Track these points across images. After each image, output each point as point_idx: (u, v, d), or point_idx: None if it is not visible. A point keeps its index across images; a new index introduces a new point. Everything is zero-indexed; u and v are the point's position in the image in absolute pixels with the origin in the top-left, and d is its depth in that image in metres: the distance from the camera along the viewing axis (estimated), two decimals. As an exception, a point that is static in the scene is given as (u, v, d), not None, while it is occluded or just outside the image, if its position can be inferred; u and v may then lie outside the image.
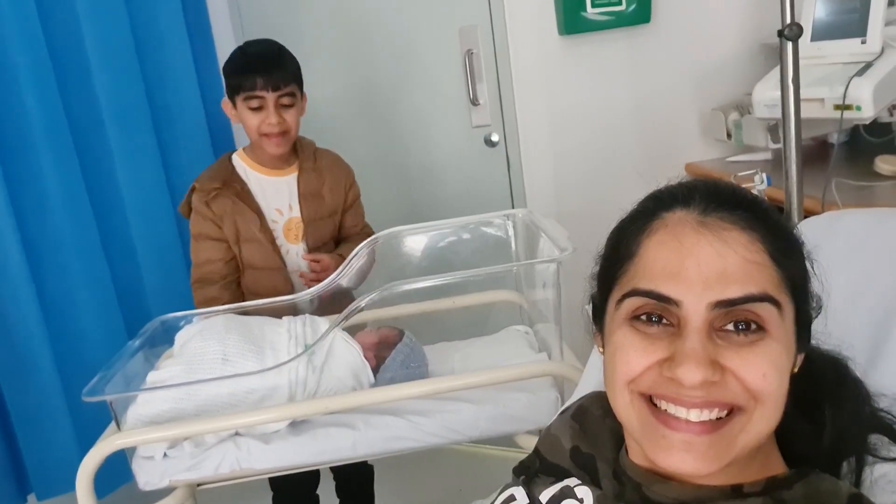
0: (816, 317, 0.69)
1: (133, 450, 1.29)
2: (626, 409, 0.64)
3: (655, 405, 0.62)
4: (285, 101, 1.62)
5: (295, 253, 1.74)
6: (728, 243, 0.60)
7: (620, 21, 2.18)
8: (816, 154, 2.11)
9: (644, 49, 2.24)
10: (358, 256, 1.62)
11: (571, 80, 2.27)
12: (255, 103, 1.60)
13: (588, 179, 2.32)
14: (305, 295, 1.57)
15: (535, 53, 2.26)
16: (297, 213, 1.73)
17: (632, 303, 0.63)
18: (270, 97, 1.59)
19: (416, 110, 2.45)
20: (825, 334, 0.71)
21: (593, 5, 2.17)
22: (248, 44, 1.69)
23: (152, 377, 1.32)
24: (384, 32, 2.40)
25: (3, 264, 1.87)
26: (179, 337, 1.42)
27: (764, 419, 0.60)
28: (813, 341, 0.69)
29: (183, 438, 1.27)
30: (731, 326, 0.59)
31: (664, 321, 0.61)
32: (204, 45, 2.41)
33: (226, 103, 1.67)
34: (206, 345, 1.33)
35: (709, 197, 0.64)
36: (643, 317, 0.62)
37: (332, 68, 2.43)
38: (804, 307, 0.65)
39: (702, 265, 0.60)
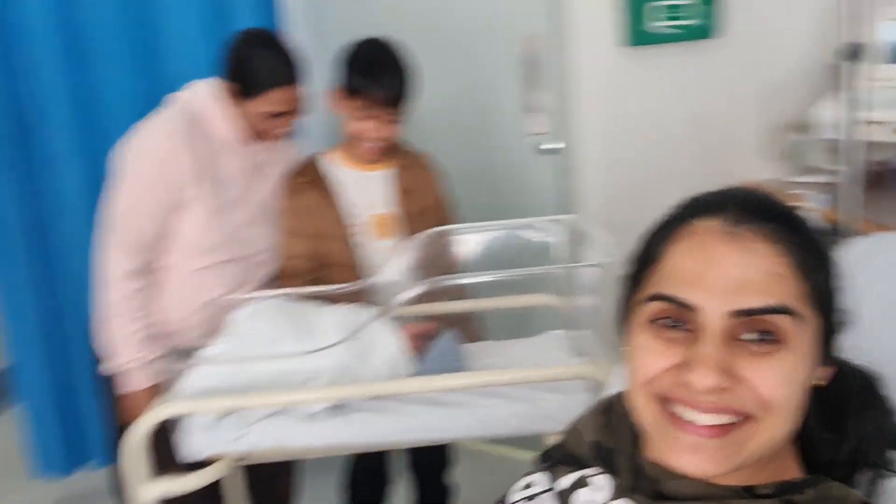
0: (844, 331, 0.70)
1: (181, 423, 1.36)
2: (643, 409, 0.66)
3: (670, 407, 0.64)
4: (395, 116, 1.66)
5: (377, 249, 1.75)
6: (752, 254, 0.62)
7: (685, 35, 2.18)
8: (880, 178, 2.07)
9: (707, 63, 2.23)
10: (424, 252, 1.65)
11: (631, 92, 2.28)
12: (368, 112, 1.63)
13: (641, 191, 2.31)
14: (359, 286, 1.61)
15: (595, 63, 2.27)
16: (388, 208, 1.76)
17: (653, 306, 0.65)
18: (386, 111, 1.63)
19: (474, 115, 2.50)
20: (857, 349, 0.72)
21: (658, 18, 2.18)
22: (380, 49, 1.66)
23: (205, 353, 1.39)
24: (446, 38, 2.45)
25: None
26: (234, 317, 1.48)
27: (774, 428, 0.62)
28: (844, 355, 0.70)
29: (229, 411, 1.33)
30: (748, 336, 0.61)
31: (684, 326, 0.63)
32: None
33: (332, 94, 1.68)
34: (257, 325, 1.40)
35: (741, 207, 0.65)
36: (663, 321, 0.64)
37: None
38: (831, 321, 0.66)
39: (723, 274, 0.61)
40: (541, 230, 1.68)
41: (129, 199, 1.59)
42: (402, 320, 1.49)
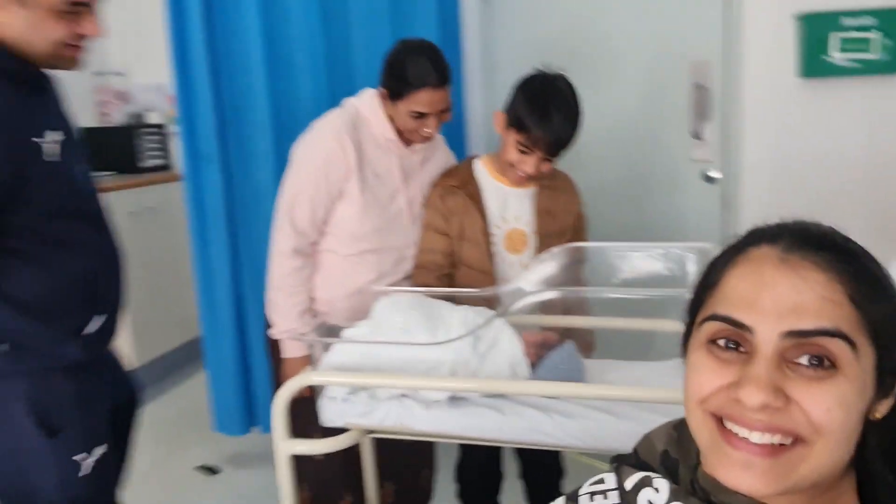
0: None
1: (322, 392, 1.53)
2: (698, 426, 0.69)
3: (724, 424, 0.66)
4: (554, 159, 1.73)
5: (509, 264, 1.84)
6: (806, 280, 0.63)
7: (868, 68, 2.06)
8: None
9: (891, 100, 2.09)
10: (553, 268, 1.73)
11: (806, 125, 2.19)
12: (529, 149, 1.69)
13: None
14: (490, 291, 1.71)
15: (769, 93, 2.21)
16: (523, 225, 1.84)
17: (710, 326, 0.68)
18: (540, 154, 1.70)
19: (639, 137, 2.51)
20: None
21: (840, 49, 2.08)
22: (556, 90, 1.69)
23: (346, 333, 1.56)
24: (618, 58, 2.49)
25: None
26: (376, 304, 1.64)
27: (825, 453, 0.62)
28: None
29: (361, 388, 1.48)
30: (803, 360, 0.62)
31: (740, 348, 0.65)
32: (453, 60, 2.67)
33: (499, 117, 1.76)
34: (393, 314, 1.54)
35: (796, 236, 0.67)
36: (720, 342, 0.67)
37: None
38: (888, 353, 0.66)
39: (777, 297, 0.63)
40: (680, 256, 1.67)
41: (296, 187, 1.79)
42: (523, 328, 1.56)
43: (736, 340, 0.66)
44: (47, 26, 1.30)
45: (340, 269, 1.85)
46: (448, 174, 1.89)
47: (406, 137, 1.84)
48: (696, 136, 2.37)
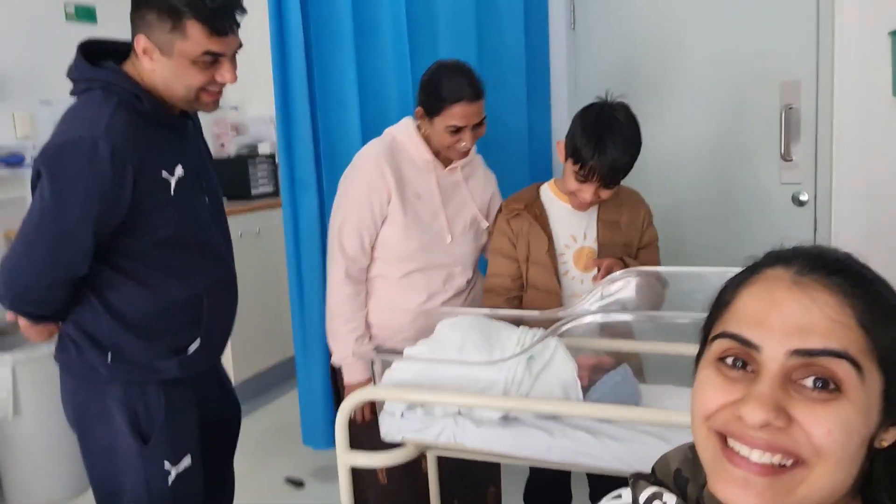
0: None
1: (382, 406, 1.60)
2: (703, 442, 0.69)
3: (727, 442, 0.67)
4: (612, 187, 1.75)
5: (580, 280, 1.86)
6: (815, 302, 0.63)
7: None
8: None
9: None
10: (627, 290, 1.73)
11: (901, 146, 2.07)
12: (587, 178, 1.71)
13: (903, 256, 2.07)
14: (554, 314, 1.72)
15: (862, 113, 2.11)
16: (591, 242, 1.86)
17: (719, 344, 0.68)
18: (596, 183, 1.72)
19: (727, 159, 2.46)
20: None
21: (938, 66, 1.96)
22: (612, 120, 1.70)
23: (407, 352, 1.62)
24: (705, 79, 2.45)
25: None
26: (439, 324, 1.69)
27: (826, 477, 0.62)
28: None
29: (417, 404, 1.54)
30: (808, 382, 0.62)
31: (747, 367, 0.66)
32: (541, 85, 2.72)
33: (560, 147, 1.80)
34: (451, 334, 1.59)
35: (809, 260, 0.67)
36: (728, 360, 0.67)
37: (657, 114, 2.55)
38: None
39: (786, 317, 0.64)
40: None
41: (343, 216, 1.89)
42: (580, 350, 1.57)
43: (744, 359, 0.66)
44: (188, 74, 1.45)
45: (392, 292, 1.92)
46: (514, 198, 1.93)
47: (444, 156, 1.92)
48: (786, 157, 2.28)
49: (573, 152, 1.72)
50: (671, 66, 2.50)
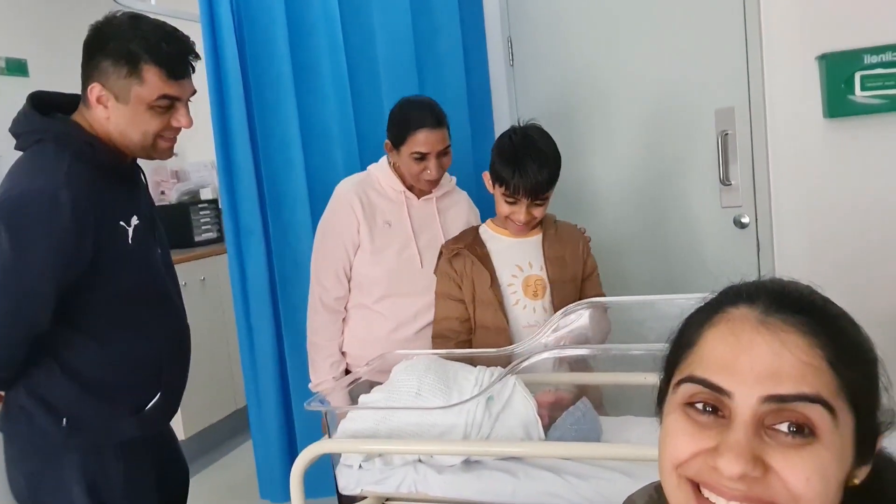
0: (887, 432, 0.66)
1: (339, 458, 1.54)
2: (673, 490, 0.67)
3: (700, 491, 0.64)
4: (540, 202, 1.81)
5: (532, 309, 1.86)
6: (785, 344, 0.62)
7: (894, 105, 2.00)
8: None
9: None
10: (580, 322, 1.72)
11: (835, 166, 2.13)
12: (514, 199, 1.79)
13: (847, 274, 2.12)
14: (505, 351, 1.71)
15: (795, 135, 2.17)
16: (537, 270, 1.88)
17: (687, 389, 0.66)
18: (529, 200, 1.79)
19: (667, 187, 2.49)
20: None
21: (863, 88, 2.03)
22: (526, 140, 1.78)
23: (362, 399, 1.58)
24: (641, 109, 2.50)
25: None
26: (395, 368, 1.66)
27: None
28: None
29: (375, 455, 1.49)
30: (782, 427, 0.61)
31: (718, 412, 0.64)
32: (485, 121, 2.74)
33: (486, 177, 1.86)
34: (407, 379, 1.55)
35: (773, 298, 0.66)
36: (698, 405, 0.65)
37: (595, 145, 2.58)
38: (867, 419, 0.64)
39: (756, 361, 0.62)
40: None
41: (320, 249, 2.01)
42: (539, 386, 1.55)
43: (714, 405, 0.64)
44: (144, 119, 1.44)
45: (365, 320, 2.00)
46: (453, 240, 1.94)
47: (416, 188, 1.98)
48: (725, 181, 2.33)
49: (497, 177, 1.80)
50: (608, 99, 2.55)
